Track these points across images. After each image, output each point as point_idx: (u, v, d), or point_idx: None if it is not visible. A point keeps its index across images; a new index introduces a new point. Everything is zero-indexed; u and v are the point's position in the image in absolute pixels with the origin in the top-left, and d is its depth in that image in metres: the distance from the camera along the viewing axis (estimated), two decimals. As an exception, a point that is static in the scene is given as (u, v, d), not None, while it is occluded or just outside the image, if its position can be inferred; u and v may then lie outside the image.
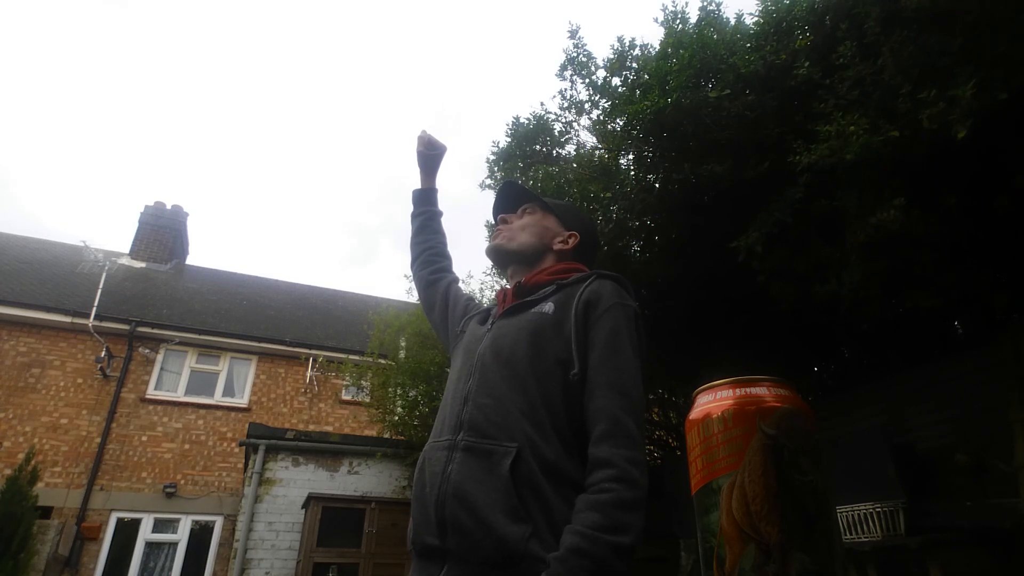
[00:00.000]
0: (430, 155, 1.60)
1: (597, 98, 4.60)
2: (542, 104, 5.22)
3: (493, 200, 1.43)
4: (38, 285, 10.16)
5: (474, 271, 18.91)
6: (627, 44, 4.25)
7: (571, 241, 1.31)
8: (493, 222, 1.43)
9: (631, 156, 4.10)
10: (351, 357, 8.73)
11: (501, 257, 1.33)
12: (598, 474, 0.92)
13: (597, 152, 4.41)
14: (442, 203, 1.65)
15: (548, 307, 1.13)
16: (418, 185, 1.64)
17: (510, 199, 1.39)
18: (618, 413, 0.97)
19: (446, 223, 1.65)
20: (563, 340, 1.06)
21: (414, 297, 7.77)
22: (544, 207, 1.35)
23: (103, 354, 9.29)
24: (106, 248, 12.71)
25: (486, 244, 1.41)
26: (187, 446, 9.54)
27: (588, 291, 1.11)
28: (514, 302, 1.20)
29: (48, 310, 9.27)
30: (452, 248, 1.62)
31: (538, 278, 1.23)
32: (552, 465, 0.95)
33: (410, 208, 1.63)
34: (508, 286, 1.29)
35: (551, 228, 1.32)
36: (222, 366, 10.30)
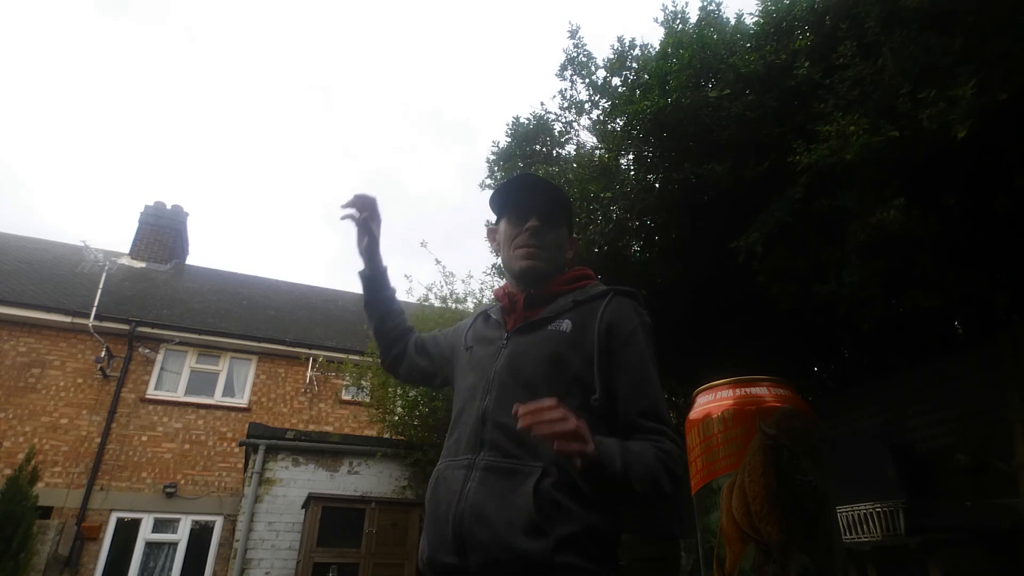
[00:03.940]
0: (371, 229, 1.37)
1: (597, 98, 4.60)
2: (542, 104, 5.23)
3: (519, 189, 1.27)
4: (38, 285, 10.15)
5: (474, 271, 18.84)
6: (627, 44, 4.25)
7: (574, 248, 1.32)
8: (498, 215, 1.33)
9: (631, 156, 4.10)
10: (351, 357, 8.72)
11: (541, 281, 1.21)
12: (661, 442, 1.00)
13: (597, 152, 4.41)
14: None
15: (565, 325, 1.11)
16: (362, 265, 1.41)
17: (542, 200, 1.24)
18: (659, 439, 1.01)
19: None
20: (583, 360, 1.06)
21: (413, 297, 7.77)
22: (569, 222, 1.30)
23: (103, 354, 9.28)
24: (106, 248, 12.69)
25: (493, 250, 1.36)
26: (187, 446, 9.53)
27: (609, 312, 1.11)
28: (527, 315, 1.18)
29: (48, 310, 9.26)
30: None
31: (551, 289, 1.20)
32: (574, 483, 0.96)
33: (362, 294, 1.45)
34: (513, 290, 1.24)
35: (565, 240, 1.28)
36: (222, 366, 10.29)
